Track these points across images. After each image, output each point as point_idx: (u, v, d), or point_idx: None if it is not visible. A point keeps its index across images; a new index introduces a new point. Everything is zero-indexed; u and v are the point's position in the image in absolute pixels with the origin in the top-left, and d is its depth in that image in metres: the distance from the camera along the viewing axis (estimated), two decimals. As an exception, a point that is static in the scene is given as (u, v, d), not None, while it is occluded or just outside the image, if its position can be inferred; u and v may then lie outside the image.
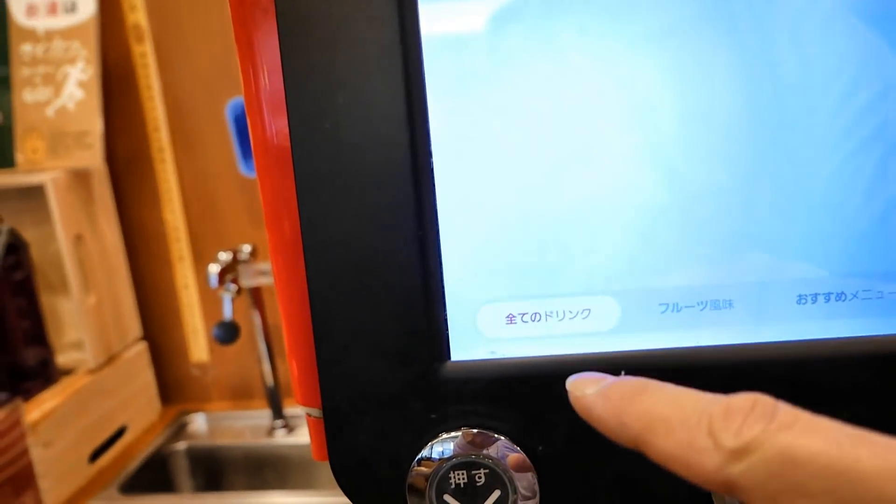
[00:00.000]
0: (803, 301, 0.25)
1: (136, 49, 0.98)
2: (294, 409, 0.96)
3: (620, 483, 0.26)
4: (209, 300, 1.00)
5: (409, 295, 0.26)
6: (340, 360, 0.27)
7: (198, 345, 1.03)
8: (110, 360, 0.92)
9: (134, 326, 0.98)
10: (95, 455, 0.87)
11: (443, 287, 0.26)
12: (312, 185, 0.26)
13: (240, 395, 1.03)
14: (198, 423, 0.99)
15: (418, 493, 0.27)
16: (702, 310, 0.26)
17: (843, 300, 0.25)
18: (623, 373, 0.24)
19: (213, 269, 0.85)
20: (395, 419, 0.27)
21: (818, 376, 0.25)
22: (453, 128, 0.25)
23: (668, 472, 0.19)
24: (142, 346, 0.99)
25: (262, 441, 0.94)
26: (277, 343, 0.93)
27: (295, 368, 0.29)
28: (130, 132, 0.99)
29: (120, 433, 0.92)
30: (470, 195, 0.26)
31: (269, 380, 0.93)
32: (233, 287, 0.87)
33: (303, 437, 0.94)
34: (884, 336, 0.25)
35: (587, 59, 0.25)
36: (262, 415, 0.97)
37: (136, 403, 0.96)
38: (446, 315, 0.26)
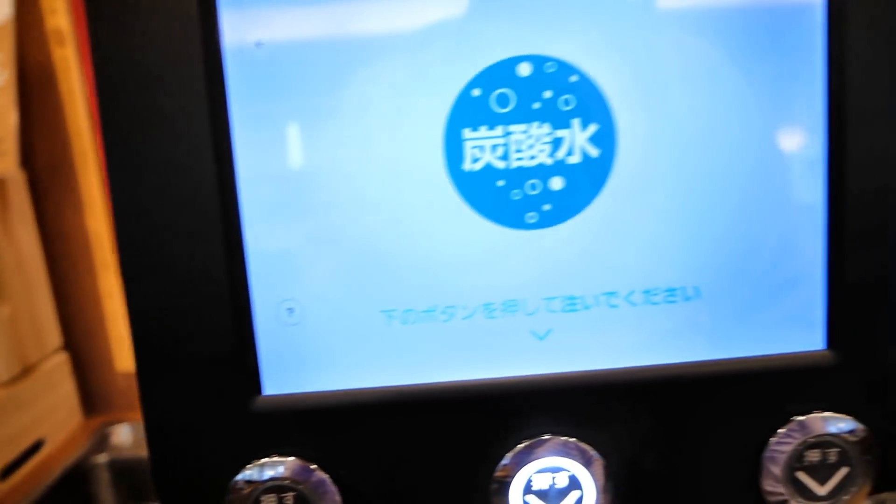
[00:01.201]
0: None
1: (57, 53, 0.96)
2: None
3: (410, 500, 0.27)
4: (133, 309, 0.98)
5: (222, 336, 0.27)
6: (160, 392, 0.28)
7: (123, 354, 1.01)
8: (26, 371, 0.89)
9: (54, 336, 0.96)
10: (7, 472, 0.85)
11: (253, 329, 0.27)
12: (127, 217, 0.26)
13: (166, 404, 1.02)
14: (122, 433, 0.97)
15: (231, 515, 0.27)
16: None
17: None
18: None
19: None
20: (212, 448, 0.28)
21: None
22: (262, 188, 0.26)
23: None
24: (62, 357, 0.96)
25: (186, 451, 0.93)
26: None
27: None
28: (51, 138, 0.97)
29: (37, 447, 0.90)
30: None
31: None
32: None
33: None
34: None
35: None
36: (187, 425, 0.96)
37: (55, 416, 0.94)
38: (257, 352, 0.27)
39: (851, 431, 0.28)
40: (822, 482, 0.29)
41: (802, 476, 0.28)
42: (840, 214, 0.27)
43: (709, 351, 0.27)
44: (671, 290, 0.27)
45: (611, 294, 0.27)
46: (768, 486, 0.28)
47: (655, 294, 0.27)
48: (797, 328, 0.28)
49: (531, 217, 0.26)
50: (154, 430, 0.27)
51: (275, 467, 0.27)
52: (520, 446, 0.27)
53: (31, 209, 0.94)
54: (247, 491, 0.27)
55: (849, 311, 0.28)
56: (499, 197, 0.26)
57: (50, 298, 0.96)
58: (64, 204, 0.97)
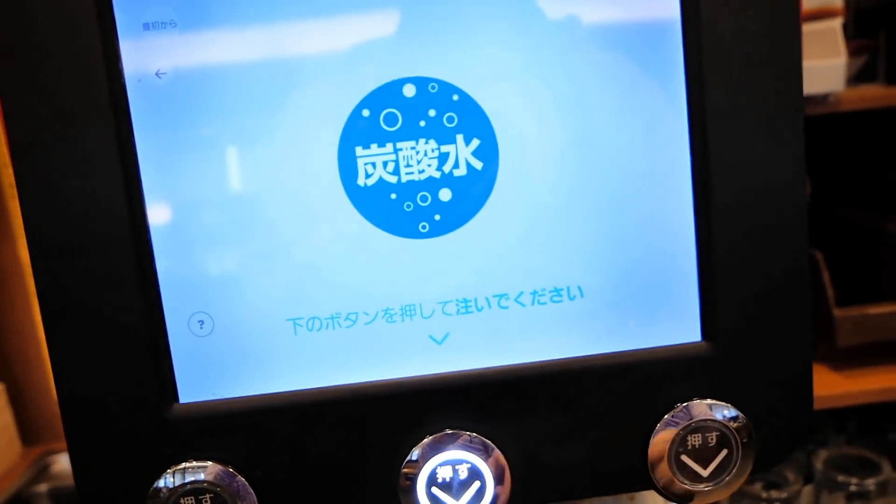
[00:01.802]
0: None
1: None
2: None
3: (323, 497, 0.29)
4: (71, 336, 0.97)
5: (138, 349, 0.28)
6: (80, 404, 0.29)
7: (62, 382, 1.00)
8: (-38, 403, 0.88)
9: (-12, 368, 0.94)
10: (-55, 504, 0.83)
11: (167, 341, 0.28)
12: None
13: (108, 431, 1.01)
14: (62, 462, 0.96)
15: (151, 520, 0.28)
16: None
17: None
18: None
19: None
20: (132, 456, 0.29)
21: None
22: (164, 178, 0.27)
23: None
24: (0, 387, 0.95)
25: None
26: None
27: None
28: (-21, 168, 0.96)
29: (-26, 479, 0.88)
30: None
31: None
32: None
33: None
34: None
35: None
36: (130, 450, 0.95)
37: (-8, 447, 0.92)
38: (172, 363, 0.28)
39: (730, 417, 0.31)
40: (705, 465, 0.31)
41: (686, 459, 0.31)
42: (707, 215, 0.30)
43: (594, 346, 0.30)
44: (556, 291, 0.29)
45: (501, 296, 0.29)
46: (656, 469, 0.31)
47: (542, 295, 0.29)
48: (675, 322, 0.30)
49: (423, 227, 0.28)
50: (75, 441, 0.28)
51: (194, 472, 0.28)
52: (424, 441, 0.29)
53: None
54: (167, 495, 0.28)
55: (721, 304, 0.30)
56: (392, 209, 0.28)
57: (-17, 329, 0.95)
58: (-6, 233, 0.96)
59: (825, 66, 0.76)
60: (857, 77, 0.88)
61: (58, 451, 0.97)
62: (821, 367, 0.78)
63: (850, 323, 0.74)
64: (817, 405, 0.75)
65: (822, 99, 0.77)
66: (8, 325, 0.98)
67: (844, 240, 0.84)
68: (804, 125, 0.29)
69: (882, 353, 0.77)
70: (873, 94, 0.82)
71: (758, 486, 0.80)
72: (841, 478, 0.71)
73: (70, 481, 0.93)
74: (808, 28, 0.76)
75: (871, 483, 0.68)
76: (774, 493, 0.78)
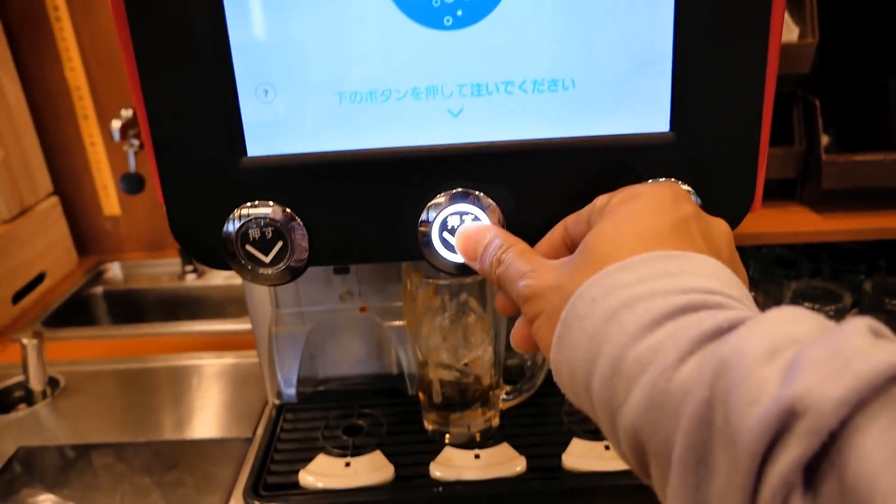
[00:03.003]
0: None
1: None
2: (203, 257, 1.06)
3: (360, 237, 0.37)
4: (117, 157, 1.06)
5: (216, 114, 0.35)
6: (172, 161, 0.36)
7: (109, 200, 1.09)
8: (24, 212, 0.98)
9: (44, 181, 1.04)
10: (17, 298, 0.95)
11: (238, 106, 0.35)
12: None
13: (152, 246, 1.11)
14: (114, 270, 1.07)
15: (229, 244, 0.37)
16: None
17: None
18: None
19: (115, 124, 0.90)
20: (210, 196, 0.37)
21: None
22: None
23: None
24: (54, 200, 1.05)
25: (175, 284, 1.03)
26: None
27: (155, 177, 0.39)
28: (24, -9, 1.00)
29: (39, 279, 1.00)
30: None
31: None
32: (136, 142, 0.93)
33: (212, 280, 1.04)
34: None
35: None
36: (174, 262, 1.06)
37: (53, 253, 1.03)
38: (242, 123, 0.35)
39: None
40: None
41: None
42: (686, 13, 0.35)
43: (581, 129, 0.37)
44: (553, 81, 0.36)
45: (508, 83, 0.36)
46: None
47: (542, 84, 0.36)
48: (648, 113, 0.37)
49: (447, 20, 0.34)
50: (168, 188, 0.36)
51: (258, 209, 0.36)
52: (439, 196, 0.37)
53: (12, 60, 0.99)
54: (239, 224, 0.36)
55: (688, 101, 0.37)
56: (423, 3, 0.34)
57: (38, 146, 1.03)
58: (41, 57, 1.02)
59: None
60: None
61: (109, 261, 1.08)
62: (803, 208, 0.85)
63: (835, 168, 0.79)
64: (794, 240, 0.82)
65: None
66: (58, 144, 1.06)
67: (848, 93, 0.89)
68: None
69: (865, 199, 0.83)
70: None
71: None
72: (806, 304, 0.80)
73: (121, 286, 1.05)
74: None
75: (830, 309, 0.77)
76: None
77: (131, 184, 0.94)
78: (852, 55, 0.90)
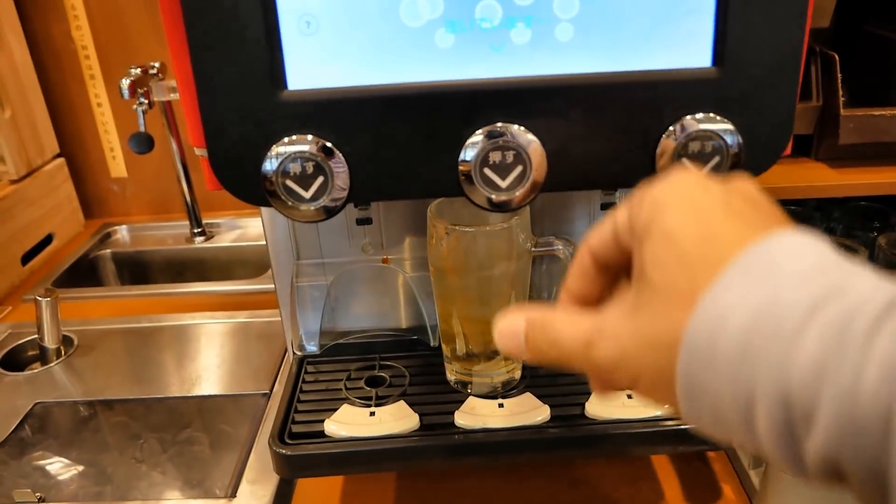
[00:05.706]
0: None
1: None
2: (211, 219, 1.05)
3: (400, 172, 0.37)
4: (123, 118, 1.04)
5: (257, 47, 0.35)
6: (212, 88, 0.36)
7: (116, 162, 1.08)
8: (31, 172, 0.97)
9: (51, 142, 1.03)
10: (26, 259, 0.94)
11: (280, 38, 0.35)
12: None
13: (159, 209, 1.11)
14: (121, 233, 1.07)
15: (269, 179, 0.37)
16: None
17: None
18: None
19: (125, 82, 0.89)
20: (251, 131, 0.37)
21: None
22: None
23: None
24: (60, 161, 1.04)
25: (182, 246, 1.03)
26: (192, 158, 1.00)
27: (189, 119, 0.38)
28: (28, -52, 0.98)
29: (48, 241, 0.99)
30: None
31: (187, 192, 1.00)
32: (145, 101, 0.92)
33: (220, 242, 1.03)
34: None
35: None
36: (181, 225, 1.05)
37: (60, 214, 1.02)
38: (283, 55, 0.35)
39: (725, 130, 0.38)
40: (699, 167, 0.39)
41: (686, 160, 0.38)
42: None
43: (626, 65, 0.36)
44: (597, 16, 0.35)
45: (552, 18, 0.35)
46: (660, 166, 0.38)
47: (585, 19, 0.35)
48: (692, 49, 0.37)
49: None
50: (209, 118, 0.36)
51: (299, 145, 0.36)
52: (480, 131, 0.36)
53: (18, 17, 0.97)
54: (279, 159, 0.36)
55: (731, 36, 0.36)
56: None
57: (44, 106, 1.02)
58: (47, 14, 1.00)
59: None
60: None
61: (117, 224, 1.07)
62: (819, 164, 0.84)
63: (852, 122, 0.79)
64: (810, 194, 0.82)
65: None
66: (64, 104, 1.04)
67: (868, 51, 0.88)
68: None
69: (880, 157, 0.83)
70: None
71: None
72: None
73: (128, 248, 1.04)
74: None
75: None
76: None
77: (141, 143, 0.92)
78: (866, 11, 0.90)
